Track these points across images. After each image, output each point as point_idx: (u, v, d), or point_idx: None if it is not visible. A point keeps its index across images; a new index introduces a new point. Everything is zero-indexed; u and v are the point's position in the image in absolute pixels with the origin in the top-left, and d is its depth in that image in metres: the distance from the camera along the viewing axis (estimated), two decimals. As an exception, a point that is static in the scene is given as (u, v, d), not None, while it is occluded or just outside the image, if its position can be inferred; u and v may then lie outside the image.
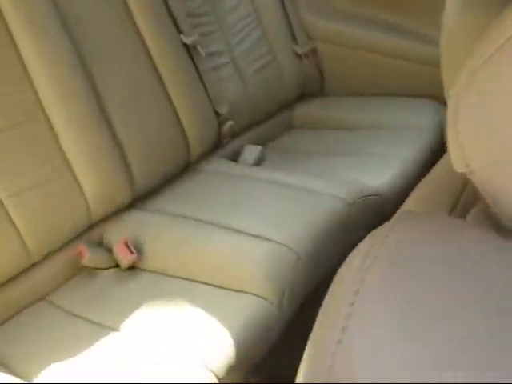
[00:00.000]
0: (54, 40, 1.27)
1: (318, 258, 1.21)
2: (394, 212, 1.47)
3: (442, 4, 1.85)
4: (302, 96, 1.96)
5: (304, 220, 1.25)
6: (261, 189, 1.41)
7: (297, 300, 1.16)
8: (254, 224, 1.25)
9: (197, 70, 1.58)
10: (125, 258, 1.26)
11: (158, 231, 1.32)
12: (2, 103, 1.21)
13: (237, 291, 1.14)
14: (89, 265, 1.28)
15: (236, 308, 1.10)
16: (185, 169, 1.55)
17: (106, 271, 1.28)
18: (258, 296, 1.12)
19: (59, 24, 1.29)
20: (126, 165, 1.37)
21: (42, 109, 1.26)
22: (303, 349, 0.32)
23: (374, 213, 1.39)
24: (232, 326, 1.05)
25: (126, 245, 1.27)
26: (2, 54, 1.22)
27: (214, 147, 1.64)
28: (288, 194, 1.36)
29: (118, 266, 1.29)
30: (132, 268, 1.28)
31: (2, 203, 1.18)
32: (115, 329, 1.11)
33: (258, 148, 1.64)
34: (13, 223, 1.19)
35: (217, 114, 1.61)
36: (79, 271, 1.30)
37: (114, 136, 1.35)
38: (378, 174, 1.50)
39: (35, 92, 1.25)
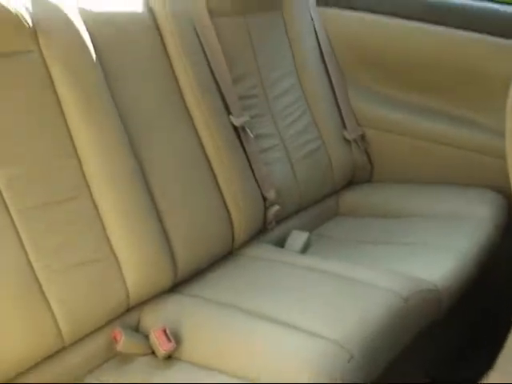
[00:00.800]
0: (105, 121, 1.26)
1: (371, 356, 1.12)
2: (451, 308, 1.37)
3: (491, 90, 1.81)
4: (350, 182, 1.91)
5: (356, 315, 1.17)
6: (309, 278, 1.33)
7: (349, 404, 1.06)
8: (301, 317, 1.17)
9: (245, 152, 1.55)
10: (162, 346, 1.18)
11: (197, 319, 1.25)
12: (51, 178, 1.19)
13: (282, 391, 1.04)
14: (123, 351, 1.21)
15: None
16: (228, 253, 1.49)
17: (141, 358, 1.20)
18: (307, 398, 1.02)
19: (111, 104, 1.28)
20: (170, 248, 1.32)
21: (89, 187, 1.23)
22: None
23: (431, 308, 1.30)
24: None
25: (165, 332, 1.20)
26: (53, 130, 1.21)
27: (259, 232, 1.59)
28: (338, 286, 1.28)
29: (153, 352, 1.21)
30: (169, 357, 1.20)
31: (38, 280, 1.13)
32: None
33: (305, 234, 1.58)
34: (47, 302, 1.14)
35: (263, 198, 1.57)
36: (113, 356, 1.22)
37: (158, 218, 1.31)
38: (433, 266, 1.41)
39: (83, 169, 1.23)
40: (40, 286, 1.13)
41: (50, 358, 1.15)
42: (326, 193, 1.82)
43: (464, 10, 1.84)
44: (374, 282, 1.27)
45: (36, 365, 1.13)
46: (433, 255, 1.47)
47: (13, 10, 1.17)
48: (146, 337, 1.22)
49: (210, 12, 1.55)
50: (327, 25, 1.89)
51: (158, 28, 1.44)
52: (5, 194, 1.13)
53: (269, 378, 1.07)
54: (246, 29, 1.68)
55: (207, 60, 1.51)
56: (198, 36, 1.50)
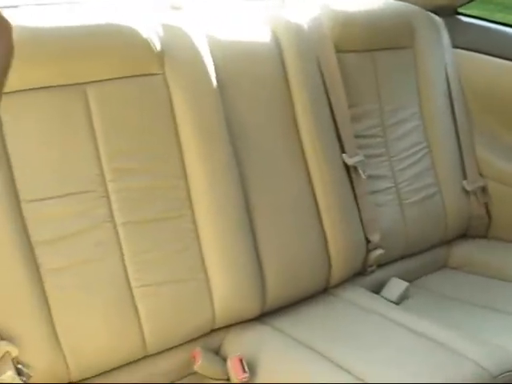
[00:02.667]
0: (218, 153, 1.29)
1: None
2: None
3: None
4: (463, 235, 1.81)
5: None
6: (398, 338, 1.27)
7: None
8: (384, 377, 1.12)
9: (353, 192, 1.52)
10: (236, 375, 1.20)
11: (276, 354, 1.24)
12: (158, 195, 1.23)
13: None
14: (200, 372, 1.23)
15: None
16: (322, 291, 1.47)
17: (215, 382, 1.22)
18: None
19: (227, 137, 1.30)
20: (262, 278, 1.32)
21: (192, 209, 1.26)
22: None
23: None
24: None
25: (241, 362, 1.20)
26: (166, 150, 1.25)
27: (358, 273, 1.55)
28: (428, 349, 1.21)
29: (229, 379, 1.22)
30: (242, 387, 1.20)
31: (132, 291, 1.18)
32: None
33: (404, 284, 1.51)
34: (137, 313, 1.19)
35: (367, 240, 1.53)
36: (188, 375, 1.26)
37: (255, 247, 1.32)
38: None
39: (189, 191, 1.26)
40: (132, 298, 1.18)
41: (131, 363, 1.20)
42: (435, 242, 1.73)
43: None
44: (464, 353, 1.19)
45: (118, 367, 1.19)
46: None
47: (143, 34, 1.23)
48: (225, 361, 1.24)
49: (336, 47, 1.53)
50: (460, 68, 1.81)
51: (282, 62, 1.44)
52: (113, 206, 1.19)
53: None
54: (373, 66, 1.65)
55: (328, 96, 1.50)
56: (321, 71, 1.49)
